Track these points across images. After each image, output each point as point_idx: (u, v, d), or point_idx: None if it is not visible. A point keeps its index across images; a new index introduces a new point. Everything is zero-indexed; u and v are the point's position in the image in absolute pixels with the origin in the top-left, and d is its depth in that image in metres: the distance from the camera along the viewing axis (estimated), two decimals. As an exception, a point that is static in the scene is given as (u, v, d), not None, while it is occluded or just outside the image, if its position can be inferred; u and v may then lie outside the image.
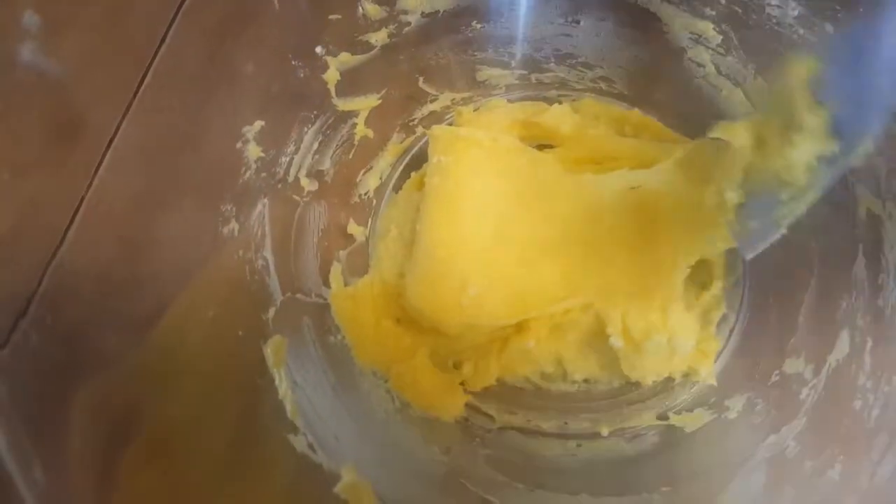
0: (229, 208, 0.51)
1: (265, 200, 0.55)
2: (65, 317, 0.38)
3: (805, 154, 0.38)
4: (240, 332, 0.48)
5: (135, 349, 0.42)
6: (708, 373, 0.56)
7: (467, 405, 0.56)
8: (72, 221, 0.40)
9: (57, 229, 0.39)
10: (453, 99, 0.68)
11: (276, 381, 0.48)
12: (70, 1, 0.40)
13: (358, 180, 0.65)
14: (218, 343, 0.47)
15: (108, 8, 0.42)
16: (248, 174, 0.53)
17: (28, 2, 0.37)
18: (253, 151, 0.53)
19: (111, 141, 0.42)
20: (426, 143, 0.66)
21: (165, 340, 0.45)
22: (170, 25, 0.46)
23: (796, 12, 0.55)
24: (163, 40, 0.45)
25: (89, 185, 0.41)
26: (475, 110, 0.67)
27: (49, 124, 0.39)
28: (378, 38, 0.60)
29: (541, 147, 0.66)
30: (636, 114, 0.65)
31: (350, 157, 0.63)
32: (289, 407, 0.47)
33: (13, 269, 0.37)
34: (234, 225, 0.51)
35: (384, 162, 0.66)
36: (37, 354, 0.36)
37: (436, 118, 0.68)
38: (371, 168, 0.66)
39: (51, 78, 0.39)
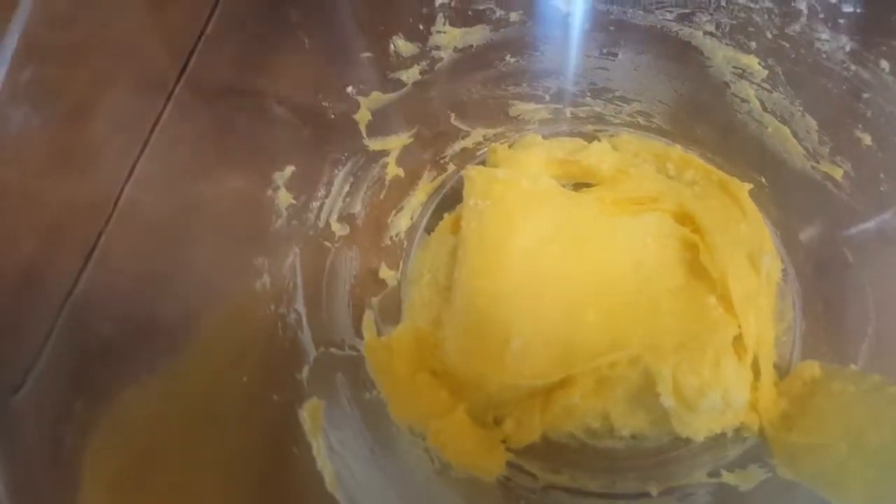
0: (261, 261, 0.49)
1: (296, 249, 0.52)
2: (78, 364, 0.36)
3: None
4: (275, 397, 0.46)
5: (154, 416, 0.40)
6: (759, 427, 0.53)
7: (509, 464, 0.54)
8: (87, 262, 0.38)
9: (73, 268, 0.37)
10: (485, 135, 0.66)
11: (314, 450, 0.45)
12: (90, 24, 0.38)
13: (389, 221, 0.63)
14: (251, 410, 0.45)
15: (128, 31, 0.40)
16: (279, 222, 0.51)
17: (42, 24, 0.34)
18: (284, 198, 0.51)
19: (130, 173, 0.40)
20: (458, 181, 0.64)
21: (191, 406, 0.42)
22: (191, 53, 0.44)
23: (848, 48, 0.53)
24: (184, 69, 0.43)
25: (107, 222, 0.39)
26: (510, 147, 0.65)
27: (65, 154, 0.37)
28: (409, 75, 0.58)
29: (578, 186, 0.64)
30: (677, 150, 0.63)
31: (381, 197, 0.61)
32: (328, 478, 0.45)
33: (25, 310, 0.35)
34: (266, 278, 0.49)
35: (415, 201, 0.64)
36: (52, 401, 0.34)
37: (468, 155, 0.66)
38: (402, 208, 0.64)
39: (68, 106, 0.37)
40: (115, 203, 0.39)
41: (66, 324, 0.36)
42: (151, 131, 0.41)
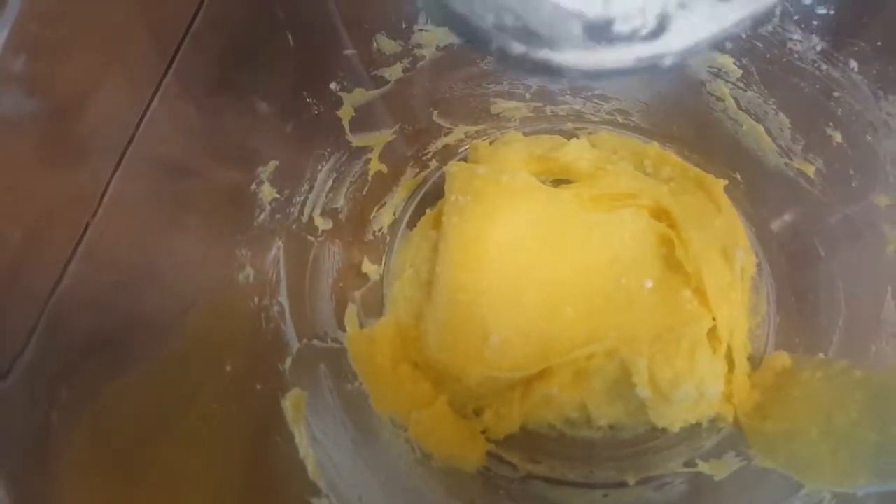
0: (244, 253, 0.49)
1: (280, 243, 0.53)
2: (65, 354, 0.36)
3: None
4: (258, 386, 0.46)
5: (140, 406, 0.40)
6: (732, 417, 0.54)
7: (489, 454, 0.55)
8: (73, 254, 0.38)
9: (59, 260, 0.37)
10: (467, 132, 0.67)
11: (297, 439, 0.46)
12: (74, 21, 0.38)
13: (372, 217, 0.64)
14: (235, 400, 0.45)
15: (116, 27, 0.40)
16: (262, 216, 0.51)
17: (32, 21, 0.35)
18: (268, 193, 0.52)
19: (115, 170, 0.40)
20: (440, 177, 0.65)
21: (177, 396, 0.43)
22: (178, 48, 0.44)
23: (819, 47, 0.54)
24: (170, 64, 0.44)
25: (93, 215, 0.39)
26: (491, 143, 0.65)
27: (51, 150, 0.38)
28: (392, 72, 0.58)
29: (557, 182, 0.65)
30: (655, 147, 0.64)
31: (364, 193, 0.62)
32: (310, 467, 0.45)
33: (12, 302, 0.35)
34: (249, 271, 0.49)
35: (398, 197, 0.65)
36: (38, 392, 0.35)
37: (450, 151, 0.67)
38: (385, 204, 0.64)
39: (53, 102, 0.37)
40: (102, 197, 0.39)
41: (51, 317, 0.36)
42: (138, 126, 0.41)
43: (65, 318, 0.37)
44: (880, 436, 0.42)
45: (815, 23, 0.53)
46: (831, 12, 0.52)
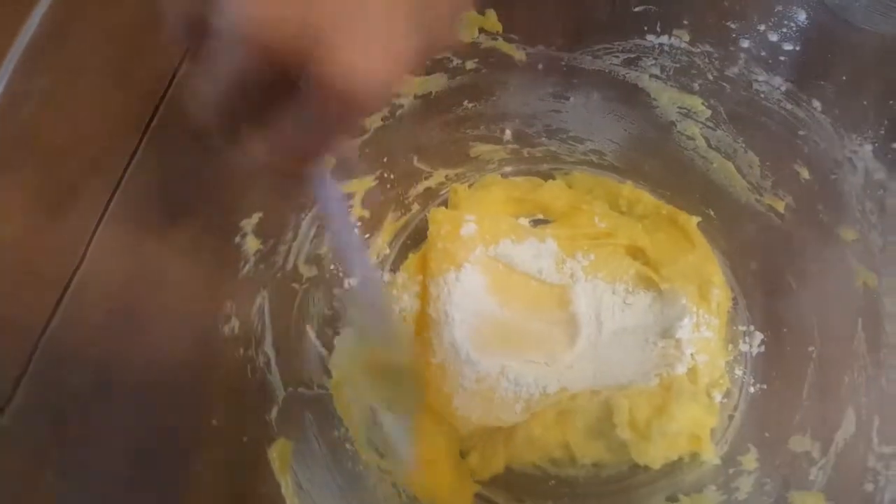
0: (229, 306, 0.50)
1: (264, 293, 0.54)
2: (53, 402, 0.37)
3: None
4: (244, 439, 0.47)
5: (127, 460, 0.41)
6: (711, 452, 0.55)
7: (475, 495, 0.55)
8: (60, 301, 0.38)
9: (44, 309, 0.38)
10: (447, 175, 0.68)
11: (283, 489, 0.46)
12: (66, 70, 0.39)
13: (355, 261, 0.65)
14: (222, 453, 0.46)
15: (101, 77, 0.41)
16: (247, 268, 0.52)
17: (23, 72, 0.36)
18: (252, 244, 0.53)
19: (103, 214, 0.41)
20: (422, 220, 0.67)
21: (164, 449, 0.43)
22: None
23: (783, 88, 0.56)
24: (153, 117, 0.45)
25: (77, 266, 0.40)
26: (470, 186, 0.67)
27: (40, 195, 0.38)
28: (372, 121, 0.60)
29: (536, 222, 0.66)
30: (629, 187, 0.66)
31: (347, 238, 0.63)
32: (296, 517, 0.46)
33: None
34: (234, 322, 0.50)
35: (381, 241, 0.66)
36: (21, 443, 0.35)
37: (431, 194, 0.68)
38: (368, 248, 0.65)
39: (41, 147, 0.38)
40: (87, 246, 0.40)
41: (36, 369, 0.36)
42: (122, 176, 0.42)
43: (49, 371, 0.37)
44: None
45: (781, 58, 0.55)
46: (797, 48, 0.55)
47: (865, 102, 0.52)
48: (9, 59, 0.36)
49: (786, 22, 0.53)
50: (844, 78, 0.53)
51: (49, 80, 0.38)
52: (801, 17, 0.52)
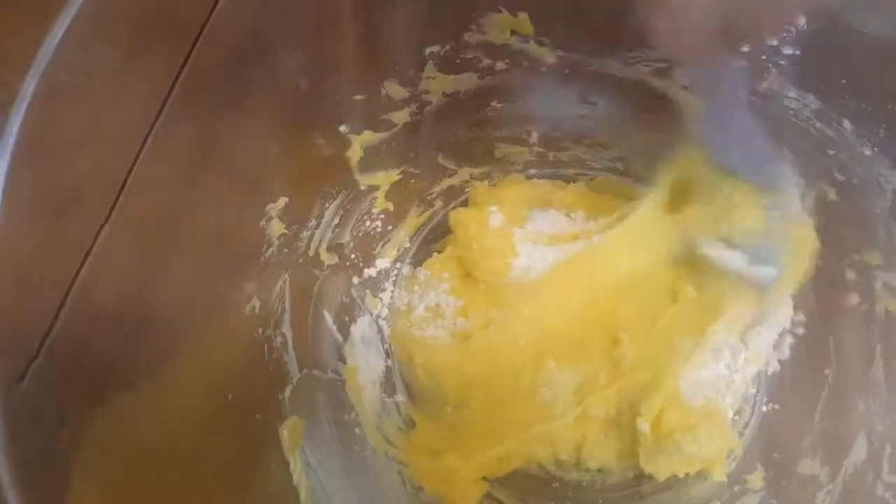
0: (252, 286, 0.52)
1: (286, 276, 0.55)
2: (68, 390, 0.38)
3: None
4: (257, 415, 0.49)
5: (145, 427, 0.42)
6: (722, 474, 0.55)
7: (481, 492, 0.56)
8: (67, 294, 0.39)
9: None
10: (471, 174, 0.69)
11: (291, 466, 0.48)
12: (65, 70, 0.40)
13: (376, 252, 0.66)
14: (235, 427, 0.47)
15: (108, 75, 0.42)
16: (270, 251, 0.54)
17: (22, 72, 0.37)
18: (276, 228, 0.54)
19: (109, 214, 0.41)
20: (444, 216, 0.67)
21: (181, 423, 0.45)
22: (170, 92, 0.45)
23: (815, 106, 0.56)
24: (161, 109, 0.45)
25: (84, 259, 0.40)
26: (492, 185, 0.68)
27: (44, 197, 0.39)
28: (400, 116, 0.61)
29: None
30: (651, 195, 0.66)
31: (369, 230, 0.64)
32: (303, 493, 0.47)
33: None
34: (255, 302, 0.52)
35: (402, 234, 0.67)
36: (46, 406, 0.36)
37: (454, 192, 0.69)
38: (389, 241, 0.67)
39: (44, 151, 0.38)
40: (91, 246, 0.40)
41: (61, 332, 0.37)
42: (137, 155, 0.43)
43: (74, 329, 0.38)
44: None
45: (782, 62, 0.54)
46: (797, 52, 0.54)
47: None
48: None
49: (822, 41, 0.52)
50: (874, 97, 0.52)
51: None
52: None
